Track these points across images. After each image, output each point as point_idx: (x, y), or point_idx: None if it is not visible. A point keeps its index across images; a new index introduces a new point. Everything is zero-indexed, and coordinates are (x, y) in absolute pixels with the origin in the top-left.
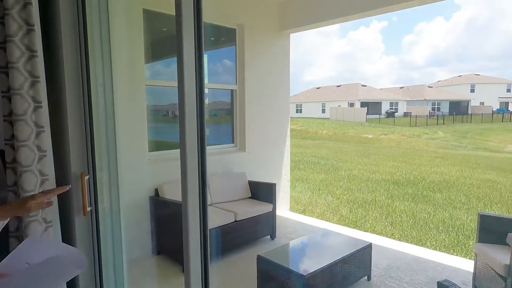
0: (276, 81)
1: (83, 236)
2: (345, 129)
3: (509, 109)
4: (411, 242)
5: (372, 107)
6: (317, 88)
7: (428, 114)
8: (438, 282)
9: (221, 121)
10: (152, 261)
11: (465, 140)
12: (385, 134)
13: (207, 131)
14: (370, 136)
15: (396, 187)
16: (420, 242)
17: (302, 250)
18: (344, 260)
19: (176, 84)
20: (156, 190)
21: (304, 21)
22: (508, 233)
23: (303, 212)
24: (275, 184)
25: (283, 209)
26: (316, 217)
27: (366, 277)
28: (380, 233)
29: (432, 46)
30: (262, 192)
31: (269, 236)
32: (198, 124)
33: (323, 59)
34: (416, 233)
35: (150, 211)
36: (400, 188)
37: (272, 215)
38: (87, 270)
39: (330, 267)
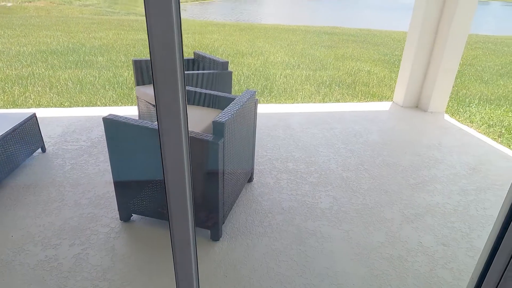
0: None
1: None
2: None
3: None
4: (82, 106)
5: None
6: None
7: None
8: (103, 118)
9: None
10: None
11: (117, 6)
12: (30, 1)
13: None
14: (10, 4)
15: (55, 56)
16: (91, 104)
17: None
18: (3, 140)
19: None
20: None
21: None
22: None
23: None
24: None
25: None
26: None
27: (40, 150)
28: (47, 106)
29: None
30: None
31: None
32: None
33: None
34: (85, 96)
35: None
36: (60, 57)
37: None
38: None
39: None
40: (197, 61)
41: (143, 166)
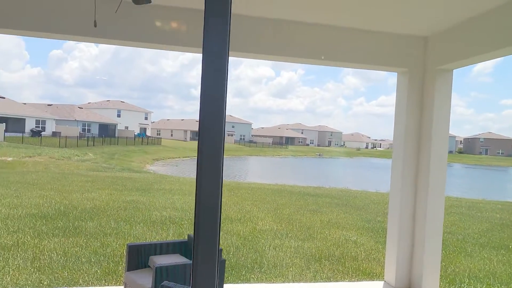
0: None
1: None
2: None
3: (147, 133)
4: (62, 285)
5: (13, 123)
6: None
7: (78, 135)
8: (161, 286)
9: None
10: None
11: (113, 161)
12: (30, 156)
13: None
14: (10, 158)
15: (44, 222)
16: (72, 282)
17: None
18: None
19: None
20: None
21: None
22: (150, 256)
23: None
24: None
25: None
26: None
27: None
28: (24, 285)
29: (82, 67)
30: None
31: None
32: None
33: None
34: (68, 272)
35: None
36: (49, 222)
37: None
38: None
39: None
40: (190, 245)
41: None
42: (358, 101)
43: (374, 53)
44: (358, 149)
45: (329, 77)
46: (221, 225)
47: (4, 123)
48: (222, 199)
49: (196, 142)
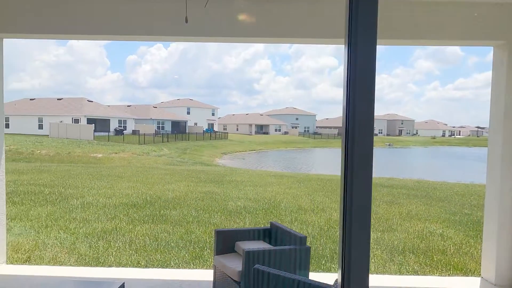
0: None
1: None
2: (70, 148)
3: (214, 129)
4: (157, 267)
5: (100, 124)
6: (31, 100)
7: (154, 132)
8: (253, 269)
9: None
10: None
11: (186, 156)
12: (116, 153)
13: None
14: (100, 155)
15: (135, 210)
16: (165, 264)
17: None
18: None
19: None
20: None
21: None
22: (236, 242)
23: (27, 261)
24: None
25: None
26: (47, 264)
27: None
28: (126, 265)
29: (154, 70)
30: None
31: None
32: None
33: (36, 65)
34: (160, 255)
35: None
36: (139, 210)
37: None
38: None
39: None
40: (273, 233)
41: None
42: (432, 85)
43: (466, 27)
44: (434, 137)
45: (397, 62)
46: (295, 215)
47: (93, 124)
48: (293, 191)
49: (260, 135)
